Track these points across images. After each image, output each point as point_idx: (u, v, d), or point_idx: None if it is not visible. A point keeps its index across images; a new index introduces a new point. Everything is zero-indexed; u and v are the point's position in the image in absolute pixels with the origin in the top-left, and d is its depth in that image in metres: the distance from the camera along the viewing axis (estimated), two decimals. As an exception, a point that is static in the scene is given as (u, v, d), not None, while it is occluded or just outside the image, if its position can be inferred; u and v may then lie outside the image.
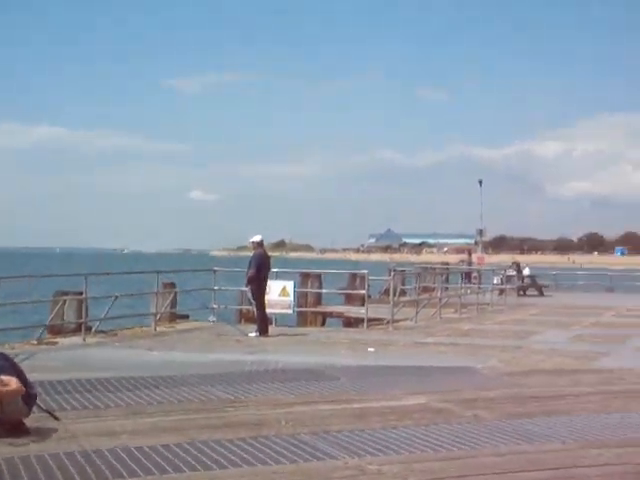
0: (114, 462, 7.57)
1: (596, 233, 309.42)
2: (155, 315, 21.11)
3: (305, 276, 28.22)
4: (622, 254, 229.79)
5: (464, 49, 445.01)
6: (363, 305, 23.84)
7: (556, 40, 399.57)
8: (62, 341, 17.84)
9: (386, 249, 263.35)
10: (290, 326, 23.18)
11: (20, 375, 8.84)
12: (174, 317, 23.03)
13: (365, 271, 26.49)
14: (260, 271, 20.31)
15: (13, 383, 8.42)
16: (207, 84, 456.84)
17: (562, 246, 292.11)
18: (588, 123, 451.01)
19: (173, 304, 23.13)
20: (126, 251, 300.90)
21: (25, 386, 8.76)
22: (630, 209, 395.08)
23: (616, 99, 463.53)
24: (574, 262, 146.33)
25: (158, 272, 22.04)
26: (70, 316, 19.17)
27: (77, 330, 18.66)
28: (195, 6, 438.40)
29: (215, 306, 23.71)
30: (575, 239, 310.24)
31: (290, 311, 23.56)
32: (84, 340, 18.06)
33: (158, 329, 20.61)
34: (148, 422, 9.57)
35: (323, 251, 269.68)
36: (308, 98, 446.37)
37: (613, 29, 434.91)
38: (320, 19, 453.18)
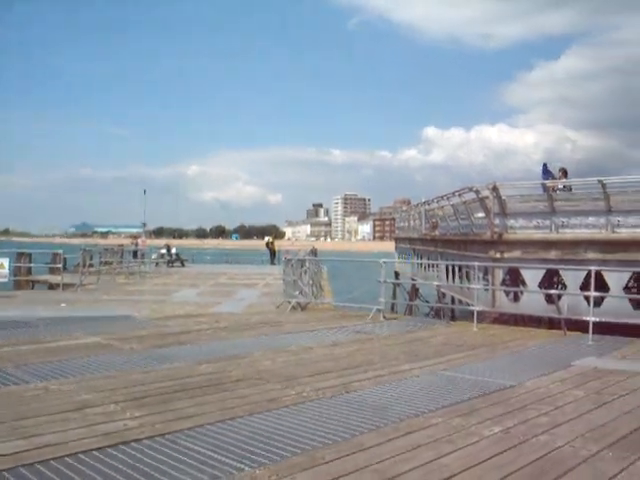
0: None
1: (222, 225, 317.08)
2: None
3: (20, 255, 26.16)
4: (236, 239, 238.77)
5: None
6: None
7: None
8: None
9: (82, 235, 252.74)
10: (7, 290, 21.38)
11: None
12: None
13: (61, 251, 25.15)
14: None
15: None
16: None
17: (200, 234, 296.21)
18: (216, 155, 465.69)
19: None
20: None
21: None
22: (241, 210, 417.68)
23: (229, 141, 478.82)
24: (207, 244, 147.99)
25: None
26: None
27: None
28: None
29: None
30: (208, 229, 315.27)
31: (6, 280, 21.71)
32: None
33: None
34: None
35: (40, 236, 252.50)
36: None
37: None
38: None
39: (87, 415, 6.02)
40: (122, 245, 38.22)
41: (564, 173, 17.48)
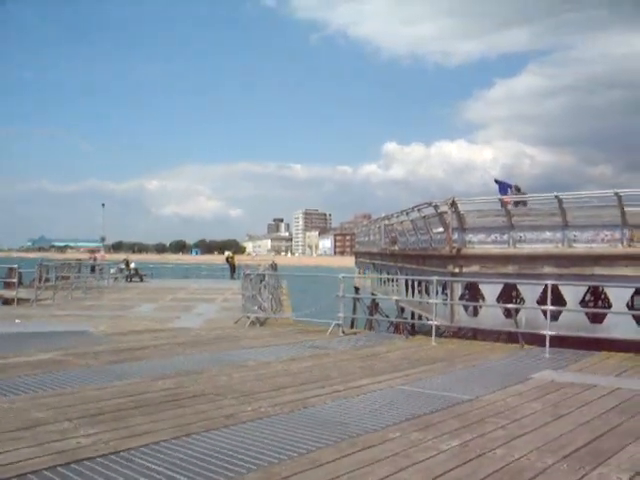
0: None
1: (182, 240, 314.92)
2: None
3: (-28, 269, 25.69)
4: (197, 254, 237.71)
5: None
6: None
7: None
8: None
9: (40, 249, 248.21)
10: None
11: None
12: None
13: (16, 265, 24.69)
14: None
15: None
16: None
17: (160, 248, 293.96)
18: (178, 170, 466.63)
19: None
20: None
21: None
22: (203, 224, 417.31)
23: (191, 156, 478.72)
24: (167, 259, 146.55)
25: None
26: None
27: None
28: None
29: None
30: (168, 244, 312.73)
31: (-43, 295, 21.33)
32: None
33: None
34: None
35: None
36: None
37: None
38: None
39: (39, 433, 5.86)
40: (80, 259, 37.67)
41: (517, 191, 17.82)
